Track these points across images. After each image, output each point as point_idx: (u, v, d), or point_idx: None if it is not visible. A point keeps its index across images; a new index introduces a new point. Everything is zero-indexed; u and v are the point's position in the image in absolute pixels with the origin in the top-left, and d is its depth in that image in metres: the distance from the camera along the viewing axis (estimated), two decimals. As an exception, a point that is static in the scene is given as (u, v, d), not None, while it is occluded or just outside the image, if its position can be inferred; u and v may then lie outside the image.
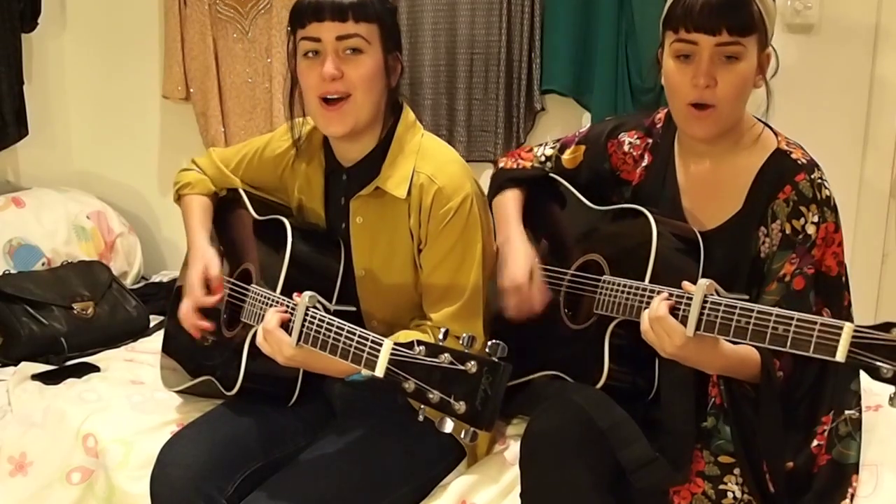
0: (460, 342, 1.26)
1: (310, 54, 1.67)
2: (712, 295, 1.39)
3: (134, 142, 3.18)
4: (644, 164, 1.76)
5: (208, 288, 1.78)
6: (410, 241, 1.73)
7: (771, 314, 1.31)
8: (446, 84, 2.85)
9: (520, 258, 1.76)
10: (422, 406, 1.27)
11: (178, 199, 1.99)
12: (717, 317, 1.37)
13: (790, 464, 1.52)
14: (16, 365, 2.32)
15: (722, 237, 1.63)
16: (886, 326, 1.20)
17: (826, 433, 1.53)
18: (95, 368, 2.27)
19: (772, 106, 1.64)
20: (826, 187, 1.57)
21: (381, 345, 1.34)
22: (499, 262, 1.78)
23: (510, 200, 1.88)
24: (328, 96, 1.66)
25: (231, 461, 1.66)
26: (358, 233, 1.76)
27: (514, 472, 1.70)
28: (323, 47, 1.65)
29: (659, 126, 1.76)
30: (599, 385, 1.60)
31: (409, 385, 1.27)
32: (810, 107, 2.54)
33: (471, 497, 1.72)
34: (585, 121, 2.77)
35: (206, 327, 1.77)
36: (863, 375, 1.58)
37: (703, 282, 1.40)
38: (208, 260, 1.80)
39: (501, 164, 1.97)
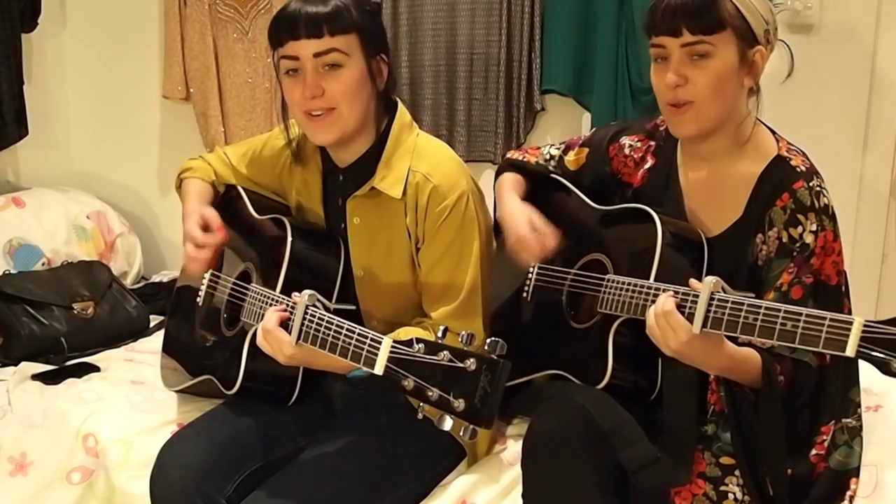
0: (459, 340, 1.25)
1: (290, 72, 1.67)
2: (719, 292, 1.39)
3: (134, 142, 3.18)
4: (646, 166, 1.76)
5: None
6: (408, 240, 1.73)
7: (780, 310, 1.30)
8: (446, 84, 2.85)
9: (515, 215, 1.77)
10: (421, 404, 1.27)
11: (179, 185, 1.98)
12: (724, 314, 1.37)
13: (789, 471, 1.52)
14: (16, 365, 2.32)
15: (723, 244, 1.62)
16: None
17: (825, 443, 1.53)
18: (95, 368, 2.27)
19: (761, 105, 1.64)
20: (825, 195, 1.57)
21: (380, 342, 1.34)
22: (503, 231, 1.80)
23: (507, 180, 1.90)
24: (313, 112, 1.66)
25: (230, 461, 1.66)
26: (355, 233, 1.76)
27: (514, 473, 1.70)
28: (302, 65, 1.64)
29: (662, 129, 1.76)
30: (603, 384, 1.60)
31: (409, 383, 1.27)
32: (810, 107, 2.54)
33: (471, 497, 1.72)
34: (585, 121, 2.78)
35: (213, 263, 1.78)
36: (862, 379, 1.59)
37: (709, 279, 1.39)
38: (204, 210, 1.80)
39: (508, 156, 1.98)
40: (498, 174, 1.94)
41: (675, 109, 1.58)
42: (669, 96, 1.58)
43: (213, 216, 1.79)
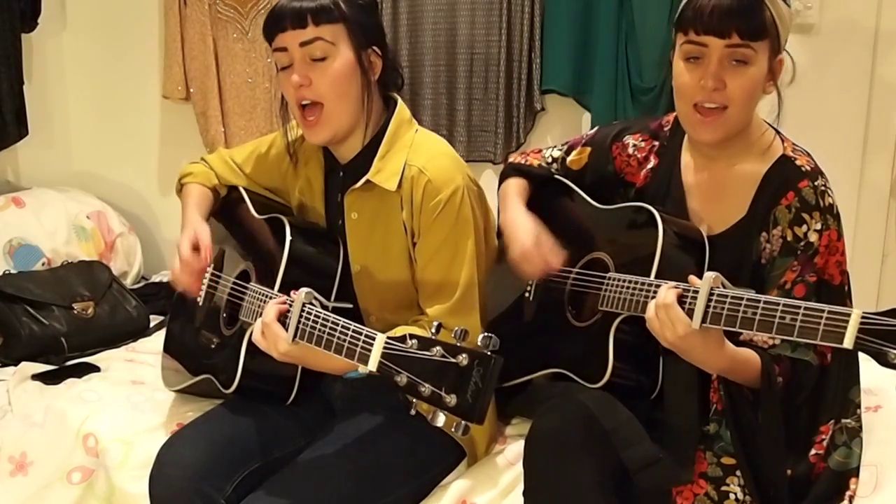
0: (453, 336, 1.25)
1: (282, 65, 1.69)
2: (718, 288, 1.39)
3: (134, 142, 3.18)
4: (650, 166, 1.76)
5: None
6: (405, 235, 1.73)
7: (778, 303, 1.31)
8: (446, 84, 2.85)
9: (521, 228, 1.77)
10: (414, 400, 1.27)
11: (180, 189, 1.99)
12: (723, 309, 1.37)
13: (789, 471, 1.52)
14: (16, 365, 2.32)
15: (727, 242, 1.63)
16: (894, 312, 1.20)
17: (824, 443, 1.54)
18: (95, 368, 2.27)
19: (783, 112, 1.64)
20: (829, 195, 1.57)
21: (374, 339, 1.34)
22: (505, 241, 1.79)
23: (511, 186, 1.89)
24: (302, 102, 1.68)
25: (229, 461, 1.66)
26: (353, 228, 1.77)
27: (514, 473, 1.70)
28: (290, 56, 1.67)
29: (667, 129, 1.76)
30: (603, 381, 1.60)
31: (402, 378, 1.26)
32: (810, 107, 2.54)
33: (471, 497, 1.72)
34: (585, 121, 2.78)
35: (196, 286, 1.79)
36: (862, 380, 1.59)
37: (709, 275, 1.39)
38: (199, 229, 1.81)
39: (511, 160, 1.98)
40: (502, 178, 1.94)
41: (702, 116, 1.57)
42: (700, 96, 1.55)
43: (204, 236, 1.80)
